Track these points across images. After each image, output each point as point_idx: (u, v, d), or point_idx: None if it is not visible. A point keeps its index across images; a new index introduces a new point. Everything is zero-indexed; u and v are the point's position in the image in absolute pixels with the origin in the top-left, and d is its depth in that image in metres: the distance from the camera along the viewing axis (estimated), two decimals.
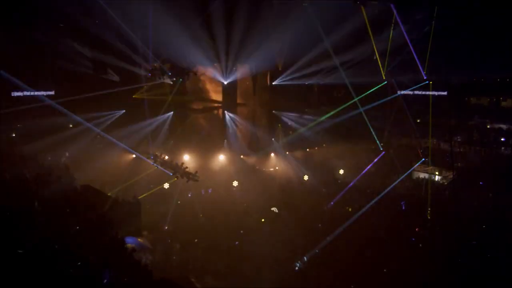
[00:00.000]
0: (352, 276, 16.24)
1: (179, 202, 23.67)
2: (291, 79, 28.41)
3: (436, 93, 27.58)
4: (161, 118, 27.65)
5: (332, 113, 28.40)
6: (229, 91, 29.29)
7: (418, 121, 29.50)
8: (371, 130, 28.23)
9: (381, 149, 28.98)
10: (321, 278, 16.40)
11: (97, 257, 10.24)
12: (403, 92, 28.41)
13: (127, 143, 24.47)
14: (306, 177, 28.09)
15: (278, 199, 24.38)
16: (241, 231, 19.51)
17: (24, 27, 20.66)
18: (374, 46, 26.43)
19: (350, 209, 23.08)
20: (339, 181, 27.91)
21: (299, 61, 27.25)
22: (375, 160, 28.28)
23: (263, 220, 22.24)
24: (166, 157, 24.76)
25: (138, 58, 25.05)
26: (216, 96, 30.16)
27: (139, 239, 16.95)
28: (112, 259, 11.11)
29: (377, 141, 28.97)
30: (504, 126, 29.10)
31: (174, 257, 18.18)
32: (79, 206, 13.95)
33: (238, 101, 30.32)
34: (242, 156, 29.41)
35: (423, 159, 27.90)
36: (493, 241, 17.52)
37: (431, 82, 27.28)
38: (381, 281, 15.81)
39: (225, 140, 29.55)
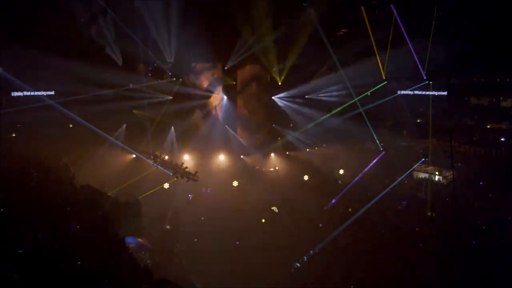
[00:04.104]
0: (352, 276, 16.24)
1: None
2: None
3: (436, 93, 27.57)
4: None
5: (332, 112, 28.38)
6: None
7: (418, 121, 29.47)
8: (371, 130, 28.22)
9: (381, 149, 28.96)
10: (320, 278, 16.39)
11: (97, 257, 10.23)
12: (403, 92, 28.40)
13: None
14: (306, 177, 28.08)
15: (278, 199, 24.39)
16: (237, 242, 19.48)
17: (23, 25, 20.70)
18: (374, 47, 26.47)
19: (350, 209, 23.08)
20: (339, 181, 27.90)
21: None
22: (375, 160, 28.25)
23: (263, 220, 22.24)
24: (166, 157, 24.80)
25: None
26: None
27: (139, 239, 16.93)
28: (112, 259, 11.11)
29: (377, 141, 28.95)
30: (504, 126, 29.07)
31: (175, 257, 18.18)
32: (79, 206, 13.95)
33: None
34: (242, 156, 29.42)
35: (423, 159, 27.88)
36: (493, 241, 17.50)
37: (431, 82, 27.28)
38: (381, 280, 15.79)
39: None
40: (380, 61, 27.23)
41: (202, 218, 22.52)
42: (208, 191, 25.99)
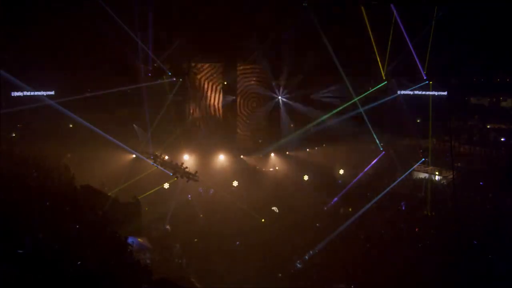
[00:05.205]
0: (352, 276, 16.24)
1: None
2: None
3: (436, 93, 27.57)
4: None
5: (332, 113, 28.36)
6: None
7: (418, 121, 29.48)
8: (371, 130, 28.20)
9: (381, 149, 28.94)
10: (321, 278, 16.39)
11: (97, 257, 10.22)
12: (403, 92, 28.38)
13: None
14: (306, 177, 28.07)
15: (278, 199, 24.38)
16: (237, 243, 19.49)
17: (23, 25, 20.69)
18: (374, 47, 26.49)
19: (350, 209, 23.09)
20: (339, 181, 27.89)
21: None
22: (375, 160, 28.24)
23: (263, 220, 22.24)
24: (166, 157, 24.79)
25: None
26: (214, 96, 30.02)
27: (139, 239, 16.93)
28: (112, 259, 11.11)
29: (377, 141, 28.93)
30: (504, 126, 29.07)
31: (175, 257, 18.17)
32: (79, 206, 13.95)
33: None
34: (242, 156, 29.40)
35: (423, 159, 27.88)
36: (493, 241, 17.50)
37: (431, 82, 27.27)
38: (381, 281, 15.79)
39: None
40: (380, 61, 27.25)
41: (202, 216, 22.52)
42: (211, 192, 25.88)
